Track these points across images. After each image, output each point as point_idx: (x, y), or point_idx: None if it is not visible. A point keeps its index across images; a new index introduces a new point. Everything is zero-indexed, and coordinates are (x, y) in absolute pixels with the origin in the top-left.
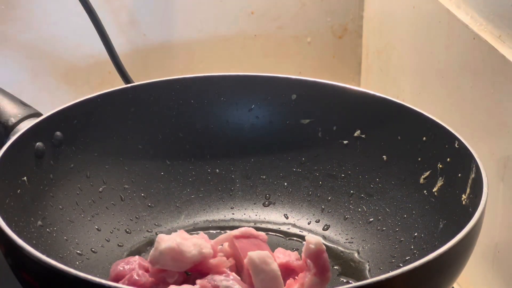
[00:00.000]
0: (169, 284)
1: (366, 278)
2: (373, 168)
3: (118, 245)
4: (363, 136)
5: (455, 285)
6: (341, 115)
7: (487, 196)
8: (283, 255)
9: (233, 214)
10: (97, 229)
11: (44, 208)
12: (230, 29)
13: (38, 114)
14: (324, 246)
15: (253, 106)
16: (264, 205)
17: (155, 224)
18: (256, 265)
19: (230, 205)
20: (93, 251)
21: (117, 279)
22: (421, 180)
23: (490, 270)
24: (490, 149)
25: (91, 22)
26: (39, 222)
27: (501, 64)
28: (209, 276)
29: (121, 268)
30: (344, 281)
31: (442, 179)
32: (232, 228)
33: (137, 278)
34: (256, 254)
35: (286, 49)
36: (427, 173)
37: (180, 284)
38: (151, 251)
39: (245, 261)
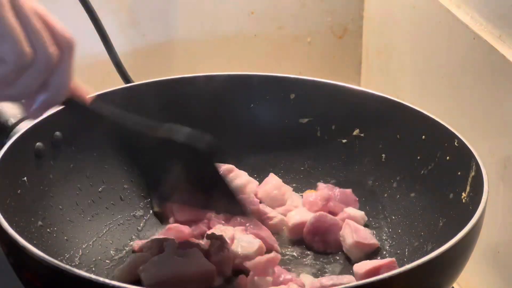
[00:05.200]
0: None
1: None
2: (372, 167)
3: None
4: (362, 135)
5: (455, 285)
6: (340, 114)
7: (488, 193)
8: None
9: None
10: (97, 228)
11: (44, 208)
12: (230, 29)
13: None
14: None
15: (252, 105)
16: None
17: None
18: None
19: None
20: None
21: None
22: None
23: (490, 270)
24: (490, 149)
25: (91, 22)
26: (40, 222)
27: (501, 64)
28: None
29: None
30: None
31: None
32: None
33: None
34: None
35: (286, 49)
36: (426, 171)
37: None
38: None
39: None
